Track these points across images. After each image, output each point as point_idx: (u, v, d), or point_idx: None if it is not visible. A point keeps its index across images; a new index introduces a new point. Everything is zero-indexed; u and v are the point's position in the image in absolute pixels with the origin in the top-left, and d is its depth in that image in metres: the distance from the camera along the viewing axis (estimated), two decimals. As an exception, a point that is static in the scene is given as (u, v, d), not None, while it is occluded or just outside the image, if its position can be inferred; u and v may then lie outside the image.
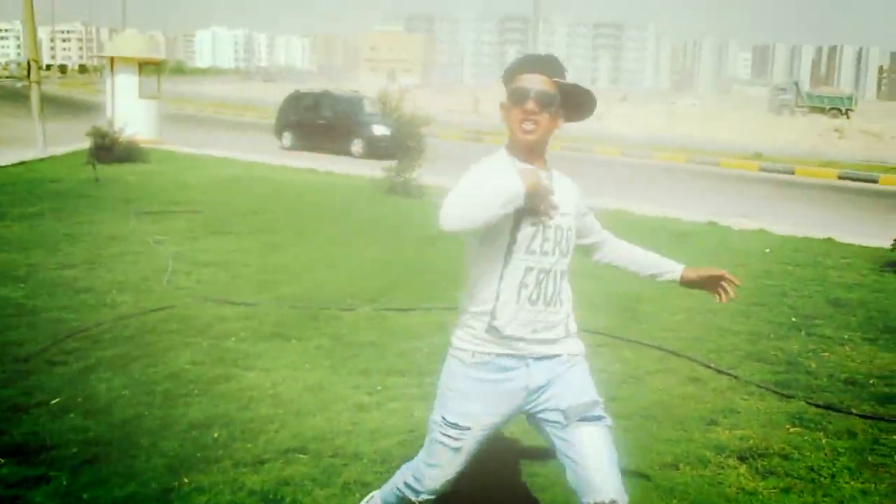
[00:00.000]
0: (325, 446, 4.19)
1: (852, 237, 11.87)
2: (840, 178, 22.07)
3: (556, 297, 2.80)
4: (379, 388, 5.05)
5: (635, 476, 3.99)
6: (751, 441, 4.46)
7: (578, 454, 2.73)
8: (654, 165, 23.87)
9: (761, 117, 52.03)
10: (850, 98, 62.15)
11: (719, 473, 4.08)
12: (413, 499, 2.98)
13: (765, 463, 4.21)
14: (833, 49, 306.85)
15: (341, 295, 7.17)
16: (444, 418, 2.83)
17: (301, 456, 4.07)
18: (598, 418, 2.78)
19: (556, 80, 2.75)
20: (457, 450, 2.83)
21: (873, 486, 4.03)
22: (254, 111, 40.70)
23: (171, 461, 3.96)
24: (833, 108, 59.66)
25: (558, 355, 2.81)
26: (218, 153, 19.97)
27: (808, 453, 4.35)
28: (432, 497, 2.96)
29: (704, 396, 5.14)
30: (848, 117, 57.47)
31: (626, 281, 8.10)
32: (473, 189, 2.55)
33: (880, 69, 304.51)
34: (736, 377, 5.48)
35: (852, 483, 4.05)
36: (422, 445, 4.19)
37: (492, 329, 2.76)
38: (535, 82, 2.75)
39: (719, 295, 3.20)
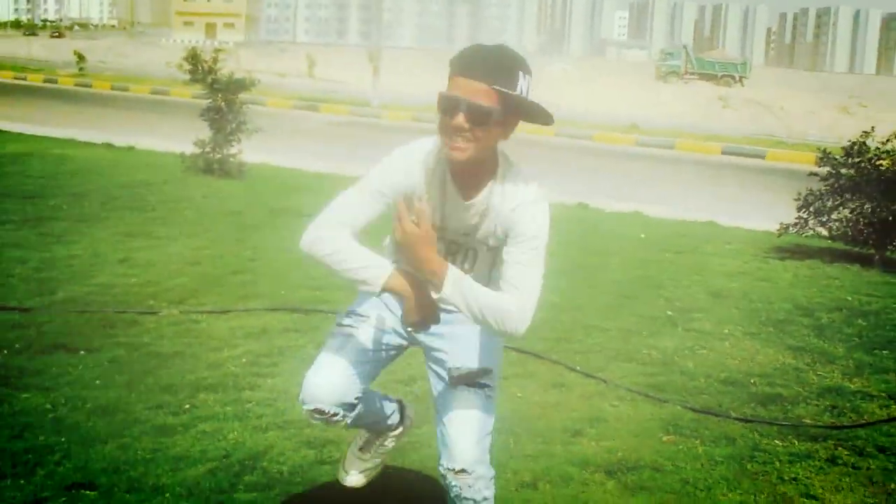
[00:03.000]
0: (119, 479, 4.09)
1: (736, 220, 12.47)
2: (724, 153, 23.10)
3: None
4: (186, 406, 4.96)
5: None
6: (619, 453, 4.62)
7: (446, 412, 3.04)
8: (514, 139, 24.29)
9: (639, 84, 53.86)
10: (743, 64, 65.10)
11: (583, 491, 4.21)
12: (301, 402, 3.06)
13: (634, 477, 4.37)
14: (717, 8, 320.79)
15: (140, 296, 7.00)
16: (344, 312, 3.13)
17: (88, 492, 3.96)
18: (481, 385, 3.05)
19: (497, 88, 2.62)
20: (347, 338, 3.05)
21: (752, 497, 4.24)
22: (39, 73, 39.10)
23: (-81, 506, 3.77)
24: (726, 76, 62.38)
25: (454, 311, 2.91)
26: (-12, 124, 19.11)
27: (683, 464, 4.54)
28: (312, 408, 2.99)
29: (569, 404, 5.28)
30: (742, 85, 60.21)
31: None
32: (346, 245, 2.82)
33: (769, 31, 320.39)
34: (604, 381, 5.66)
35: (730, 495, 4.25)
36: (235, 474, 4.16)
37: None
38: (470, 91, 2.62)
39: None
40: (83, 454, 4.32)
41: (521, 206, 2.80)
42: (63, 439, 4.47)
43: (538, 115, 2.74)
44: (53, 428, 4.59)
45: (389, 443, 3.58)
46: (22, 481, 4.03)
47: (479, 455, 3.02)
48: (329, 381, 2.96)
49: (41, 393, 5.03)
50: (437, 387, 3.12)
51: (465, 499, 3.05)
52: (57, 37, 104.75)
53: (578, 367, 5.88)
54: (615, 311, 7.32)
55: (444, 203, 2.87)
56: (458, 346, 3.08)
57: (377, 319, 3.08)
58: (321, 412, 2.97)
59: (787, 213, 10.50)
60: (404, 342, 3.16)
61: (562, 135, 25.12)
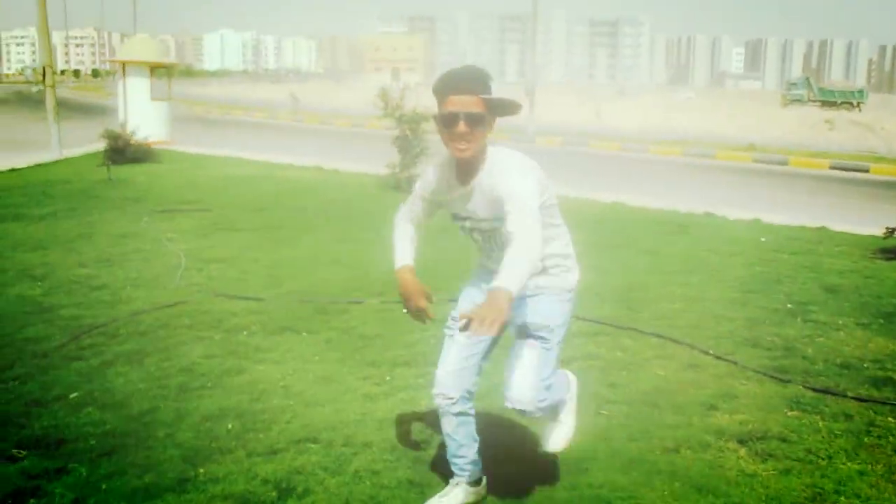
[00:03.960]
0: (336, 436, 4.19)
1: (845, 225, 11.82)
2: (832, 167, 21.99)
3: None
4: (387, 378, 5.05)
5: (638, 460, 3.98)
6: (750, 425, 4.45)
7: (511, 359, 3.21)
8: (651, 159, 23.82)
9: (755, 110, 51.89)
10: (860, 92, 61.17)
11: (720, 457, 4.07)
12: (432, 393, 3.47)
13: (764, 446, 4.20)
14: (824, 43, 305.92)
15: (348, 289, 7.16)
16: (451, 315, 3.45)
17: (312, 445, 4.07)
18: (541, 338, 3.19)
19: (483, 97, 2.93)
20: (450, 340, 3.44)
21: (870, 466, 4.01)
22: (262, 112, 40.65)
23: (186, 452, 3.96)
24: (845, 102, 58.87)
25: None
26: (226, 153, 19.96)
27: (806, 436, 4.34)
28: (438, 392, 3.40)
29: (703, 382, 5.12)
30: (860, 110, 56.96)
31: (624, 272, 8.14)
32: (398, 230, 3.73)
33: (870, 62, 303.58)
34: (734, 363, 5.46)
35: (849, 464, 4.03)
36: (428, 434, 4.19)
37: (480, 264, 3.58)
38: (464, 104, 2.92)
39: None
40: (307, 415, 4.45)
41: (500, 172, 3.03)
42: (291, 402, 4.61)
43: (510, 107, 3.01)
44: (284, 393, 4.75)
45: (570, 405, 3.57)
46: (261, 435, 4.18)
47: (533, 397, 3.13)
48: (445, 373, 3.34)
49: (273, 365, 5.21)
50: (513, 341, 3.28)
51: (529, 413, 3.21)
52: (275, 82, 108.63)
53: (711, 351, 5.69)
54: (740, 304, 7.06)
55: (454, 192, 3.18)
56: (523, 308, 3.21)
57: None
58: (447, 397, 3.34)
59: (890, 219, 9.90)
60: None
61: (689, 154, 24.45)
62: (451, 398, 3.32)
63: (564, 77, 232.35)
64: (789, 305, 7.07)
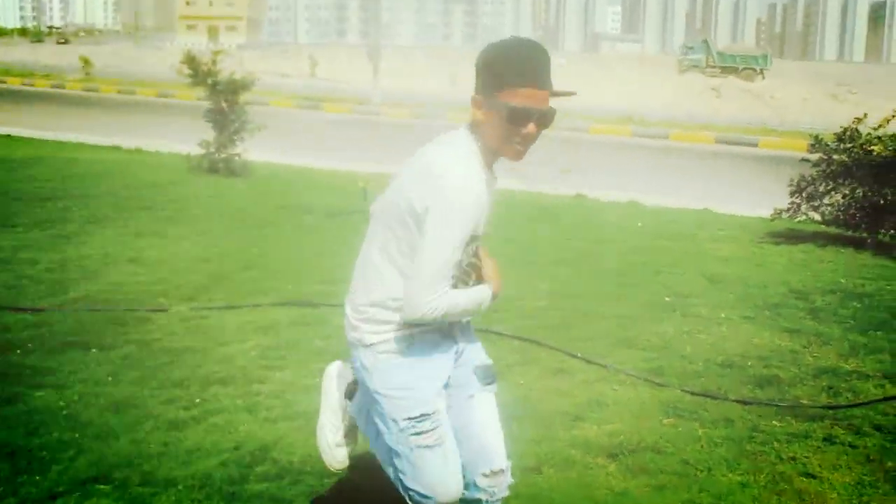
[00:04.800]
0: (132, 473, 4.08)
1: (730, 206, 12.45)
2: (717, 141, 23.07)
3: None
4: (197, 400, 4.95)
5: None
6: (621, 436, 4.61)
7: (474, 420, 2.98)
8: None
9: (633, 78, 53.76)
10: (765, 57, 63.54)
11: (587, 474, 4.20)
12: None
13: (636, 459, 4.36)
14: (708, 0, 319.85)
15: (150, 294, 6.99)
16: (410, 419, 2.86)
17: (102, 486, 3.95)
18: (494, 381, 3.07)
19: (552, 91, 2.73)
20: (439, 440, 2.88)
21: (752, 477, 4.23)
22: (45, 79, 39.07)
23: (-62, 503, 3.77)
24: (747, 69, 61.25)
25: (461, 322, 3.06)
26: (-1, 130, 19.11)
27: (683, 446, 4.53)
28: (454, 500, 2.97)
29: (571, 389, 5.27)
30: (763, 77, 59.56)
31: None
32: (458, 302, 2.77)
33: (759, 22, 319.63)
34: (605, 366, 5.65)
35: (730, 476, 4.24)
36: (247, 465, 4.15)
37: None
38: (540, 101, 2.69)
39: None
40: (97, 449, 4.31)
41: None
42: (77, 435, 4.46)
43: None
44: (67, 424, 4.59)
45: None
46: (38, 477, 4.02)
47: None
48: (458, 485, 2.93)
49: (55, 391, 5.02)
50: (461, 399, 2.99)
51: (498, 499, 3.03)
52: (63, 43, 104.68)
53: (579, 354, 5.86)
54: (614, 298, 7.31)
55: (488, 196, 2.82)
56: (473, 346, 3.08)
57: (442, 402, 2.93)
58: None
59: (779, 199, 10.47)
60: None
61: (559, 127, 25.06)
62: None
63: (414, 39, 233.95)
64: (668, 299, 7.36)
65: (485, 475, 2.95)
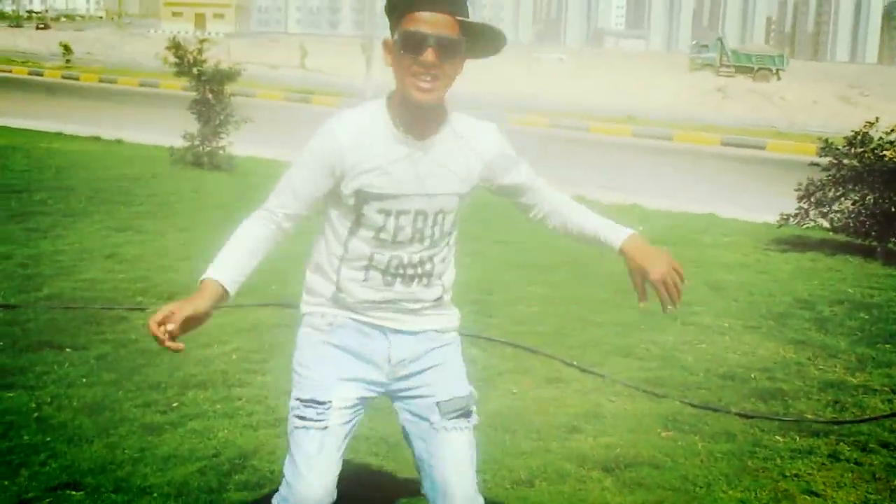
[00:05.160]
0: (105, 479, 4.06)
1: (736, 211, 12.46)
2: (723, 144, 23.10)
3: (419, 278, 2.78)
4: (175, 404, 4.94)
5: (484, 497, 4.04)
6: (617, 449, 4.60)
7: (438, 455, 2.79)
8: (511, 131, 24.23)
9: (637, 75, 53.81)
10: (780, 57, 63.26)
11: (581, 489, 4.19)
12: None
13: (633, 474, 4.35)
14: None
15: (128, 292, 6.99)
16: (299, 399, 2.77)
17: (74, 493, 3.94)
18: (468, 415, 2.84)
19: (460, 18, 2.57)
20: (323, 432, 2.74)
21: (753, 494, 4.23)
22: (23, 66, 39.00)
23: None
24: (762, 69, 61.08)
25: (422, 331, 2.82)
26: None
27: (682, 460, 4.53)
28: None
29: (565, 400, 5.26)
30: (779, 78, 59.49)
31: (473, 267, 8.26)
32: (240, 229, 2.86)
33: (769, 20, 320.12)
34: (602, 376, 5.64)
35: (730, 492, 4.24)
36: (225, 473, 4.14)
37: (338, 298, 2.77)
38: (435, 25, 2.53)
39: (661, 303, 2.85)
40: (69, 454, 4.30)
41: (489, 133, 2.80)
42: (48, 438, 4.44)
43: (493, 40, 2.66)
44: (38, 427, 4.57)
45: None
46: (6, 482, 4.01)
47: (476, 492, 2.85)
48: (320, 481, 2.75)
49: (26, 391, 5.00)
50: (419, 432, 2.84)
51: None
52: (42, 28, 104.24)
53: (575, 363, 5.86)
54: (612, 305, 7.30)
55: (392, 155, 2.66)
56: (442, 375, 2.85)
57: (340, 399, 2.77)
58: None
59: (787, 204, 10.48)
60: (373, 394, 2.86)
61: (558, 126, 25.10)
62: None
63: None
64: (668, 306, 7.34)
65: None
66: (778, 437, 4.89)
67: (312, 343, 2.81)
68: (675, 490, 4.22)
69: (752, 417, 5.11)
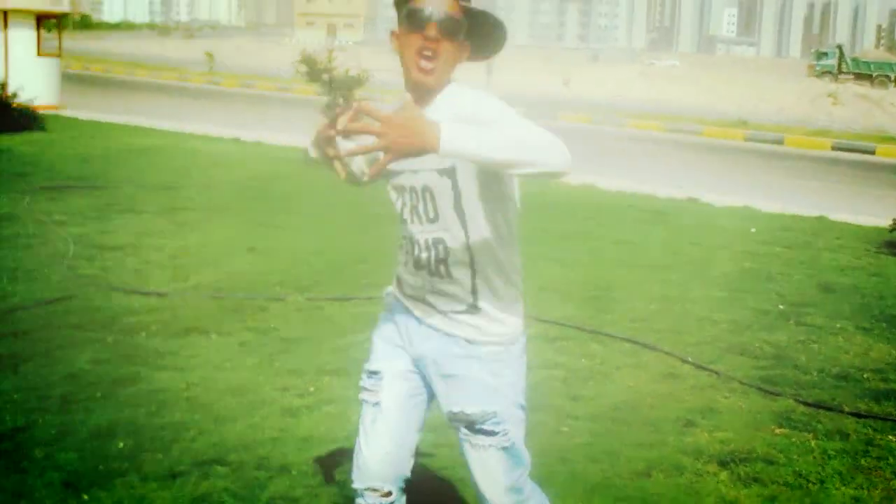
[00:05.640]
0: (248, 457, 4.15)
1: (847, 215, 12.06)
2: (834, 148, 22.42)
3: (438, 265, 2.66)
4: (311, 389, 5.02)
5: (602, 486, 4.01)
6: (732, 444, 4.51)
7: (468, 458, 2.73)
8: (627, 134, 24.05)
9: (748, 81, 52.66)
10: None
11: (697, 481, 4.12)
12: (353, 486, 2.85)
13: (747, 468, 4.26)
14: (827, 5, 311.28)
15: (268, 283, 7.11)
16: (364, 371, 2.87)
17: (220, 468, 4.03)
18: (490, 434, 2.66)
19: (462, 3, 2.55)
20: (376, 407, 2.77)
21: (866, 492, 4.09)
22: (172, 72, 40.19)
23: (68, 476, 3.89)
24: (881, 76, 59.48)
25: (450, 335, 2.68)
26: (127, 120, 19.69)
27: (796, 457, 4.41)
28: (363, 487, 2.80)
29: (681, 395, 5.18)
30: None
31: (592, 266, 8.20)
32: None
33: (878, 28, 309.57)
34: (716, 373, 5.53)
35: (843, 489, 4.11)
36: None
37: (398, 279, 2.82)
38: (436, 4, 2.51)
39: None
40: (215, 432, 4.40)
41: (472, 101, 2.54)
42: (197, 417, 4.56)
43: (494, 30, 2.62)
44: (188, 406, 4.70)
45: None
46: (160, 455, 4.13)
47: (510, 500, 2.71)
48: (374, 458, 2.76)
49: (177, 373, 5.15)
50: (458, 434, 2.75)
51: None
52: (188, 38, 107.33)
53: (690, 359, 5.76)
54: (726, 304, 7.15)
55: None
56: (455, 388, 2.68)
57: (390, 371, 2.79)
58: (381, 492, 2.79)
59: (899, 208, 10.13)
60: (409, 371, 2.80)
61: (671, 130, 24.71)
62: (387, 494, 2.80)
63: (528, 39, 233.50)
64: (781, 307, 7.18)
65: None
66: (891, 437, 4.72)
67: (380, 319, 2.91)
68: (790, 486, 4.12)
69: (865, 417, 4.94)
